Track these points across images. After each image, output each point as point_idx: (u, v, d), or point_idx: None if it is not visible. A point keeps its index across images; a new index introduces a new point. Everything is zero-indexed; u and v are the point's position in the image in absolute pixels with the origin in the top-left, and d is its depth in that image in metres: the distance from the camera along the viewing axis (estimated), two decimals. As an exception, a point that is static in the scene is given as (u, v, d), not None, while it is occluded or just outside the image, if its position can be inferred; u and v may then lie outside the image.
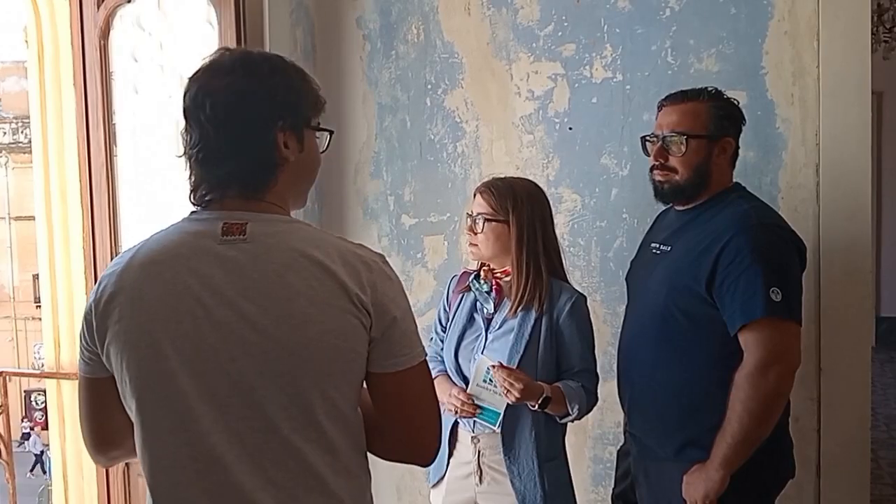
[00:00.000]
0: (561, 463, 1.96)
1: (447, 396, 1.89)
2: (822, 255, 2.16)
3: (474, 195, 2.01)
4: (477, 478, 1.91)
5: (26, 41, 2.57)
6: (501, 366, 1.81)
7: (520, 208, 1.93)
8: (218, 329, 1.06)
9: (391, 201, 2.70)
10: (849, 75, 2.11)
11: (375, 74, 2.68)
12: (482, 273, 1.97)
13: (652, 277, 1.86)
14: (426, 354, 1.17)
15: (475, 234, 1.94)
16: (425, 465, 1.23)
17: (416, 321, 1.19)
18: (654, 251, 1.90)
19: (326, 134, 1.22)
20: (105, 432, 1.18)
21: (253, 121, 1.11)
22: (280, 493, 1.06)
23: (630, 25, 2.35)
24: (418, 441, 1.18)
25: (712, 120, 1.79)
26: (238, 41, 2.25)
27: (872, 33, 4.99)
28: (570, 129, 2.45)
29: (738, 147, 1.88)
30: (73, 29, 2.48)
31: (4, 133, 17.96)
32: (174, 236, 1.12)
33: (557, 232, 2.42)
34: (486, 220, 1.91)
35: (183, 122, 1.14)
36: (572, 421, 1.92)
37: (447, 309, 2.05)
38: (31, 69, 2.61)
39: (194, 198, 1.14)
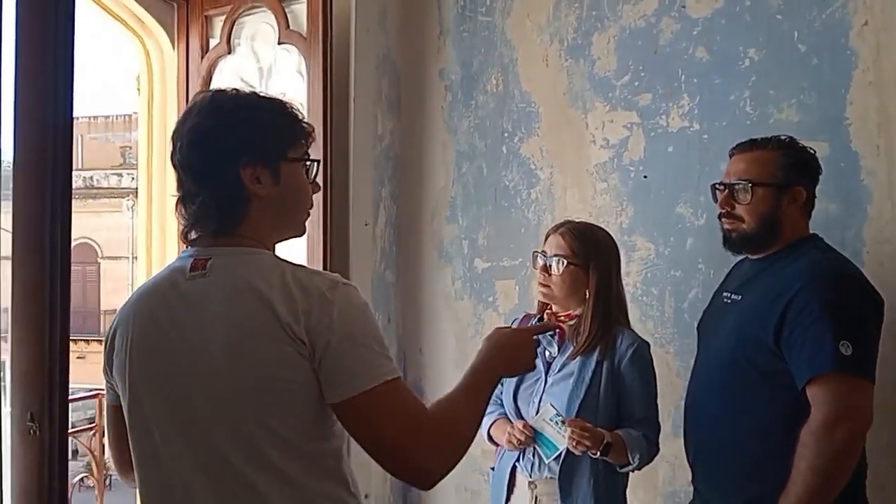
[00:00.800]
0: None
1: (507, 432, 1.89)
2: (912, 313, 2.04)
3: (548, 236, 2.03)
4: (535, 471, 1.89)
5: (138, 89, 2.81)
6: (574, 420, 1.80)
7: (599, 255, 1.95)
8: (176, 361, 1.12)
9: (465, 245, 2.76)
10: (938, 126, 2.02)
11: (455, 123, 2.78)
12: (546, 316, 1.97)
13: (721, 327, 1.81)
14: (390, 376, 1.11)
15: (549, 274, 1.95)
16: (423, 488, 1.20)
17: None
18: (725, 300, 1.86)
19: (314, 164, 1.25)
20: (125, 456, 1.25)
21: (214, 158, 1.15)
22: None
23: (708, 75, 2.34)
24: (401, 466, 1.14)
25: (781, 168, 1.76)
26: (325, 91, 2.38)
27: None
28: (646, 177, 2.44)
29: (812, 196, 1.82)
30: (178, 78, 2.70)
31: (133, 178, 19.35)
32: (162, 273, 1.21)
33: (631, 280, 2.44)
34: (565, 262, 1.93)
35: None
36: (632, 471, 1.88)
37: None
38: (140, 117, 2.85)
39: (184, 238, 1.21)
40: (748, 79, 2.29)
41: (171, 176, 2.82)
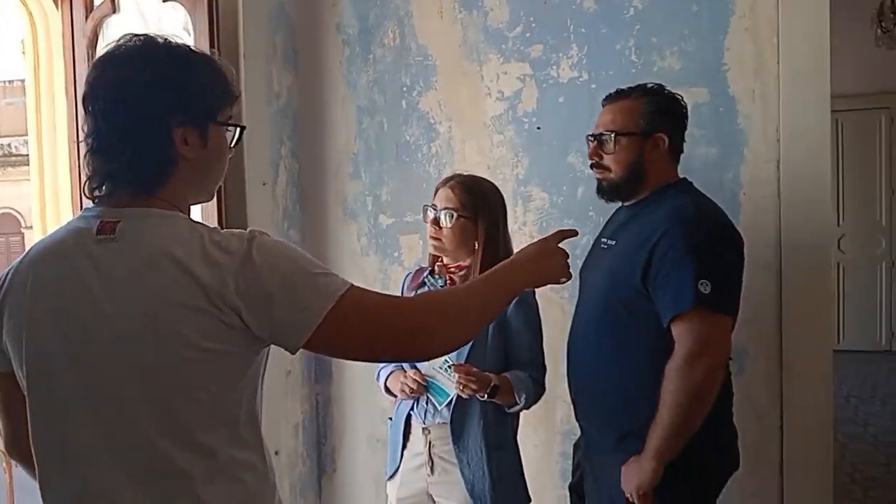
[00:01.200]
0: (510, 452, 1.99)
1: (400, 382, 1.95)
2: (784, 251, 2.16)
3: (437, 189, 2.05)
4: (428, 468, 1.96)
5: (23, 52, 2.70)
6: (460, 365, 1.85)
7: (486, 207, 1.99)
8: (86, 329, 1.05)
9: (369, 201, 2.76)
10: (808, 71, 2.11)
11: (354, 78, 2.75)
12: (436, 268, 2.01)
13: (598, 271, 1.89)
14: (342, 290, 1.07)
15: (440, 227, 1.97)
16: (421, 357, 1.26)
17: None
18: (602, 245, 1.93)
19: (237, 129, 1.19)
20: (14, 428, 1.19)
21: (148, 116, 1.07)
22: (146, 496, 1.05)
23: (595, 25, 2.38)
24: (393, 355, 1.20)
25: (643, 116, 1.80)
26: (212, 47, 2.33)
27: (881, 27, 4.92)
28: (539, 128, 2.48)
29: (679, 142, 1.88)
30: (64, 40, 2.60)
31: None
32: (61, 234, 1.12)
33: (527, 230, 2.49)
34: (456, 215, 1.95)
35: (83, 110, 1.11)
36: (519, 410, 1.95)
37: None
38: (28, 81, 2.74)
39: (86, 191, 1.12)
40: (633, 27, 2.33)
41: (62, 140, 2.77)
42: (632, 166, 1.81)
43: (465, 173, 2.11)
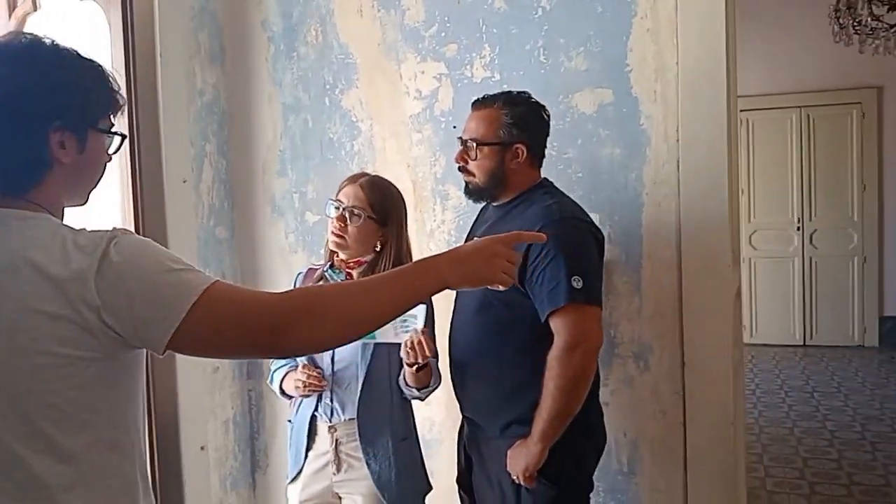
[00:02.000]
0: (413, 443, 2.05)
1: (295, 379, 1.95)
2: (683, 250, 2.18)
3: (343, 186, 2.04)
4: (334, 467, 1.98)
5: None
6: (425, 334, 1.84)
7: (394, 210, 2.01)
8: None
9: (296, 198, 2.79)
10: (705, 72, 2.13)
11: (280, 75, 2.77)
12: (336, 263, 2.03)
13: None
14: (204, 285, 1.06)
15: (345, 225, 1.96)
16: (285, 354, 1.19)
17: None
18: None
19: (118, 138, 1.20)
20: None
21: (25, 117, 1.07)
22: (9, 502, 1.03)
23: (506, 25, 2.40)
24: (256, 348, 1.13)
25: (503, 127, 1.88)
26: (126, 47, 2.35)
27: (850, 26, 4.92)
28: (454, 127, 2.49)
29: (536, 149, 1.94)
30: (-13, 38, 2.62)
31: None
32: None
33: (446, 227, 2.52)
34: (364, 215, 1.95)
35: None
36: (423, 398, 1.99)
37: None
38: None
39: None
40: (541, 28, 2.35)
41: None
42: (493, 172, 1.90)
43: (371, 173, 2.12)
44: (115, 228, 1.09)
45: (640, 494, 2.30)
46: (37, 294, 1.01)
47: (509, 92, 1.93)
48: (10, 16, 2.59)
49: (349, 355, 1.96)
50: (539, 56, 2.35)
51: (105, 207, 2.42)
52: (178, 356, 2.43)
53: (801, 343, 7.05)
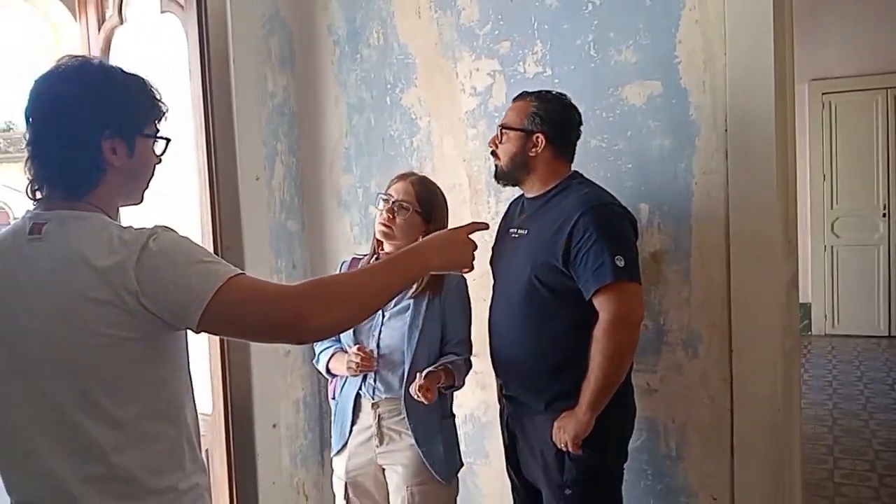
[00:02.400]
0: (453, 422, 2.22)
1: (347, 360, 2.11)
2: (732, 239, 2.21)
3: (392, 183, 2.21)
4: (377, 440, 2.15)
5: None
6: (425, 386, 2.00)
7: (438, 206, 2.19)
8: (15, 318, 1.20)
9: (360, 193, 2.94)
10: (752, 61, 2.14)
11: (344, 77, 2.93)
12: (381, 256, 2.17)
13: (515, 258, 2.08)
14: (231, 274, 1.19)
15: (393, 217, 2.13)
16: (297, 341, 1.29)
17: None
18: (513, 235, 2.12)
19: (163, 141, 1.35)
20: None
21: (80, 128, 1.22)
22: (69, 458, 1.20)
23: (557, 22, 2.46)
24: (272, 330, 1.24)
25: (528, 116, 2.04)
26: (202, 54, 2.54)
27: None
28: (508, 122, 2.59)
29: (558, 144, 2.05)
30: (81, 49, 2.87)
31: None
32: (7, 231, 1.27)
33: (500, 219, 2.61)
34: (411, 209, 2.12)
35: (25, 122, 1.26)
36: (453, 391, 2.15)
37: None
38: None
39: (30, 193, 1.27)
40: (592, 23, 2.41)
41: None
42: (514, 158, 2.05)
43: (419, 173, 2.29)
44: (156, 226, 1.23)
45: (688, 479, 2.35)
46: (87, 284, 1.17)
47: (549, 91, 2.07)
48: (99, 29, 2.84)
49: (395, 342, 2.13)
50: (590, 50, 2.41)
51: (185, 204, 2.64)
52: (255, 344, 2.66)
53: (886, 334, 6.79)
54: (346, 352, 2.15)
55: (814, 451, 4.16)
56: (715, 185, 2.24)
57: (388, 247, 2.16)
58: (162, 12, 2.65)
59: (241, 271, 1.22)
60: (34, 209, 1.27)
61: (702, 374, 2.30)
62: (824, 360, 6.19)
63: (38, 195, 1.28)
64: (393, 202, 2.14)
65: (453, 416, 2.22)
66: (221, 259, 1.27)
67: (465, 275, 2.09)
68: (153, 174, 1.38)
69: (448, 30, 2.68)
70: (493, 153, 2.11)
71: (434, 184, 2.23)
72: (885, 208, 6.77)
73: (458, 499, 2.70)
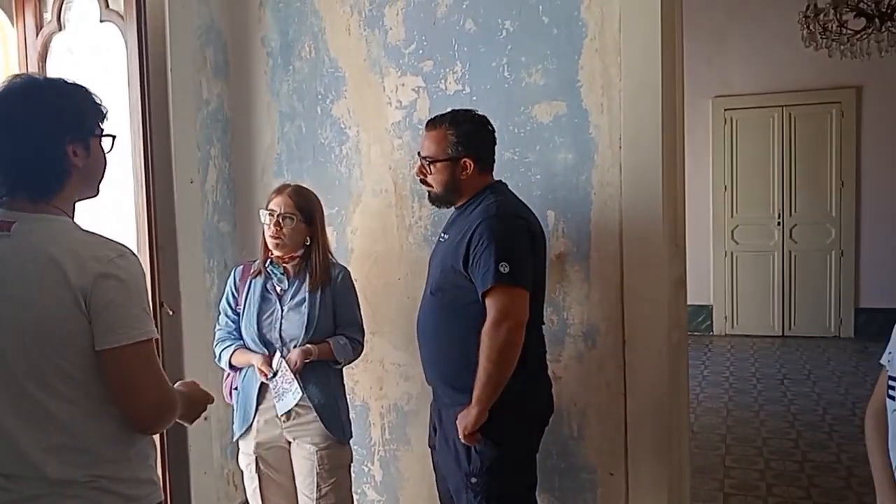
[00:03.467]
0: (343, 394, 2.55)
1: (257, 368, 2.40)
2: (625, 243, 2.50)
3: (272, 197, 2.45)
4: (285, 416, 2.42)
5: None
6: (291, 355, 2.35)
7: (315, 211, 2.46)
8: None
9: (291, 196, 3.11)
10: (643, 86, 2.44)
11: (277, 86, 3.10)
12: (274, 259, 2.43)
13: (435, 260, 2.32)
14: (147, 336, 1.38)
15: (281, 228, 2.38)
16: (143, 432, 1.47)
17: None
18: (441, 240, 2.35)
19: (110, 138, 1.53)
20: None
21: (46, 138, 1.40)
22: (31, 429, 1.36)
23: (475, 45, 2.72)
24: (135, 413, 1.41)
25: (451, 146, 2.21)
26: (141, 63, 2.68)
27: (817, 31, 5.21)
28: (430, 135, 2.82)
29: (483, 159, 2.26)
30: (19, 55, 2.95)
31: None
32: None
33: (423, 223, 2.84)
34: (295, 219, 2.38)
35: None
36: (342, 367, 2.49)
37: (236, 294, 2.50)
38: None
39: None
40: (506, 47, 2.67)
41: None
42: (447, 184, 2.24)
43: (292, 184, 2.54)
44: (123, 246, 1.42)
45: (588, 457, 2.63)
46: (52, 281, 1.34)
47: (455, 111, 2.27)
48: (37, 34, 2.93)
49: (295, 331, 2.40)
50: (504, 72, 2.67)
51: (121, 207, 2.76)
52: (187, 338, 2.81)
53: (780, 334, 7.36)
54: (247, 347, 2.44)
55: (709, 439, 4.56)
56: (611, 196, 2.53)
57: (278, 252, 2.41)
58: (101, 21, 2.77)
59: (155, 336, 1.42)
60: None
61: (599, 362, 2.59)
62: (723, 357, 6.69)
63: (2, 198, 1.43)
64: (278, 215, 2.38)
65: (344, 388, 2.55)
66: (151, 315, 1.45)
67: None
68: (106, 167, 1.55)
69: (376, 47, 2.89)
70: (423, 181, 2.28)
71: (308, 191, 2.49)
72: (779, 217, 7.35)
73: (382, 482, 2.94)
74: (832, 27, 5.26)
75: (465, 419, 2.10)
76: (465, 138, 2.21)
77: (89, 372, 1.39)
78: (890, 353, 1.46)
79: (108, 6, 2.75)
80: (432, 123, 2.27)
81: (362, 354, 2.55)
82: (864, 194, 7.11)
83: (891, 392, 1.43)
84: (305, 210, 2.40)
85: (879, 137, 6.91)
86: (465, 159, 2.21)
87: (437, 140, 2.23)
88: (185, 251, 2.85)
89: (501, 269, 2.04)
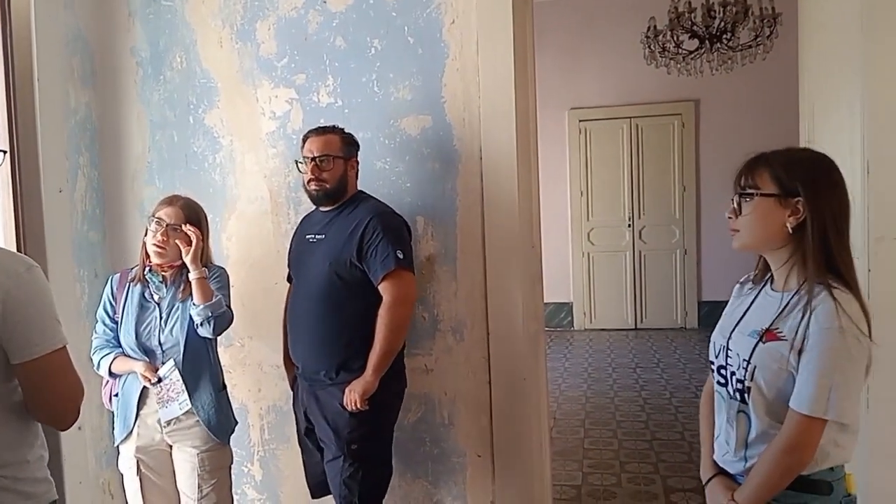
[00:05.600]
0: (226, 393, 2.64)
1: (141, 375, 2.44)
2: (487, 244, 2.75)
3: (161, 208, 2.52)
4: (164, 422, 2.48)
5: None
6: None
7: (203, 223, 2.57)
8: None
9: (164, 205, 3.14)
10: (498, 104, 2.70)
11: (147, 96, 3.12)
12: (155, 268, 2.51)
13: (313, 258, 2.52)
14: (61, 344, 1.44)
15: (166, 238, 2.47)
16: (62, 429, 1.57)
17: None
18: (310, 240, 2.58)
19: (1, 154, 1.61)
20: None
21: None
22: None
23: (346, 60, 2.88)
24: (54, 415, 1.49)
25: (344, 146, 2.55)
26: (7, 72, 2.64)
27: (656, 49, 5.74)
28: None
29: (358, 165, 2.61)
30: None
31: None
32: None
33: (292, 229, 2.95)
34: (178, 228, 2.47)
35: None
36: (214, 336, 2.50)
37: (113, 302, 2.56)
38: None
39: None
40: (375, 64, 2.85)
41: None
42: (340, 179, 2.53)
43: (183, 196, 2.62)
44: (30, 261, 1.47)
45: (458, 441, 2.86)
46: None
47: (335, 126, 2.57)
48: None
49: (174, 337, 2.47)
50: (374, 87, 2.85)
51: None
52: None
53: (633, 327, 8.00)
54: (126, 354, 2.48)
55: (569, 425, 4.95)
56: (474, 202, 2.77)
57: (158, 260, 2.50)
58: (-41, 27, 2.70)
59: (67, 343, 1.47)
60: None
61: (466, 354, 2.82)
62: (583, 350, 7.19)
63: None
64: (167, 225, 2.48)
65: (225, 387, 2.63)
66: (61, 324, 1.49)
67: None
68: None
69: (248, 59, 2.99)
70: (316, 179, 2.50)
71: (196, 203, 2.59)
72: (629, 219, 7.98)
73: (262, 481, 3.04)
74: (670, 47, 5.84)
75: (363, 385, 2.38)
76: (349, 144, 2.58)
77: (4, 384, 1.44)
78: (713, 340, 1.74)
79: (-33, 13, 2.69)
80: (322, 129, 2.56)
81: (240, 359, 2.71)
82: (703, 198, 7.84)
83: (712, 370, 1.71)
84: (194, 223, 2.50)
85: (716, 146, 7.65)
86: (352, 159, 2.57)
87: (330, 141, 2.53)
88: (54, 261, 2.82)
89: (399, 256, 2.39)
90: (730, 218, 1.60)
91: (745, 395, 1.56)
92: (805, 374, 1.45)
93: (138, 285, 2.51)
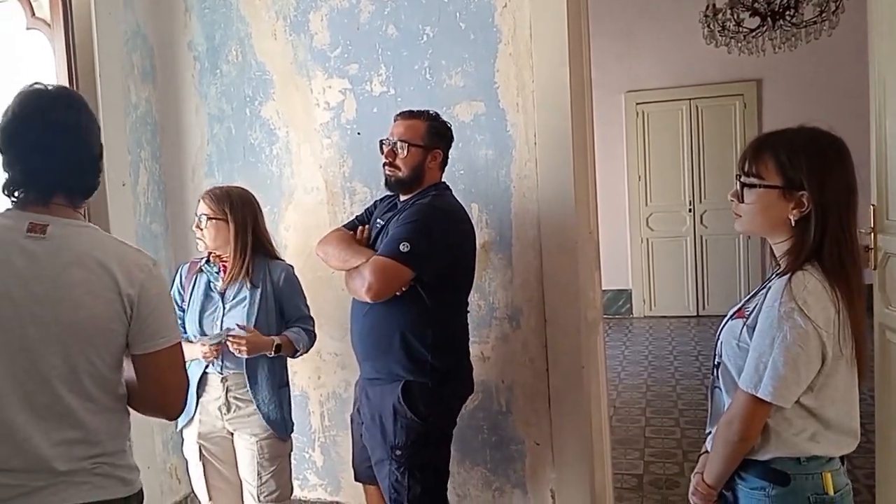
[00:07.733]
0: (287, 391, 2.61)
1: (202, 351, 2.44)
2: (542, 230, 2.71)
3: (199, 201, 2.54)
4: (225, 408, 2.51)
5: None
6: (231, 335, 2.39)
7: (233, 208, 2.52)
8: (13, 303, 1.37)
9: (223, 197, 3.20)
10: (553, 87, 2.65)
11: (205, 89, 3.18)
12: (211, 258, 2.53)
13: (375, 244, 2.41)
14: (178, 339, 1.51)
15: (201, 230, 2.50)
16: (171, 419, 1.66)
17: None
18: (377, 226, 2.47)
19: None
20: None
21: (93, 146, 1.48)
22: (43, 425, 1.40)
23: (398, 49, 2.87)
24: (167, 405, 1.55)
25: (427, 135, 2.36)
26: (69, 69, 2.72)
27: (715, 28, 5.57)
28: (359, 133, 2.97)
29: (446, 157, 2.43)
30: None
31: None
32: None
33: (349, 217, 2.97)
34: (209, 218, 2.48)
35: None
36: (300, 355, 2.54)
37: (182, 291, 2.59)
38: None
39: (10, 195, 1.44)
40: (427, 51, 2.84)
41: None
42: (416, 169, 2.35)
43: (223, 186, 2.63)
44: (154, 259, 1.52)
45: (516, 429, 2.84)
46: (101, 283, 1.42)
47: (427, 111, 2.42)
48: (-40, 41, 2.92)
49: (234, 328, 2.47)
50: (426, 74, 2.84)
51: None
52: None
53: (695, 314, 7.81)
54: (190, 341, 2.48)
55: (630, 413, 4.87)
56: (528, 188, 2.74)
57: (202, 249, 2.54)
58: (28, 29, 2.80)
59: (182, 338, 1.58)
60: (20, 210, 1.45)
61: (523, 341, 2.79)
62: (642, 337, 7.07)
63: (22, 198, 1.45)
64: (199, 217, 2.52)
65: (288, 384, 2.62)
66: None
67: None
68: None
69: (302, 51, 3.01)
70: (391, 164, 2.35)
71: (230, 190, 2.57)
72: (690, 204, 7.78)
73: (322, 466, 3.08)
74: (730, 26, 5.64)
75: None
76: (438, 133, 2.39)
77: (116, 372, 1.48)
78: None
79: (34, 14, 2.78)
80: (409, 114, 2.41)
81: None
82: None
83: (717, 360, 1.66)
84: (219, 210, 2.48)
85: (779, 126, 7.32)
86: (436, 150, 2.38)
87: (414, 127, 2.36)
88: (119, 253, 2.90)
89: (401, 248, 2.19)
90: (731, 201, 1.58)
91: (717, 371, 1.62)
92: (750, 351, 1.48)
93: (204, 275, 2.56)
